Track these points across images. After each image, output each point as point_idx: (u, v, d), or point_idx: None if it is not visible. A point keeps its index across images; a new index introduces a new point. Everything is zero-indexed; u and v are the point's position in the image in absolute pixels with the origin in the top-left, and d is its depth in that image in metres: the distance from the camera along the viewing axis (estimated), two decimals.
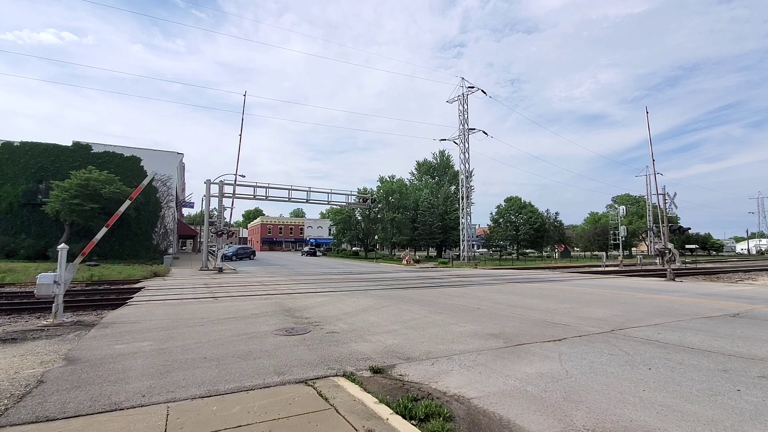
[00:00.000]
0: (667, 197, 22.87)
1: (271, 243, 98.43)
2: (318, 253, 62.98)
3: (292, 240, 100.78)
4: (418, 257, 47.46)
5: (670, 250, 20.27)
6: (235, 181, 27.47)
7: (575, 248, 75.97)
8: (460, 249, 44.09)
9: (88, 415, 3.52)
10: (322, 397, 3.93)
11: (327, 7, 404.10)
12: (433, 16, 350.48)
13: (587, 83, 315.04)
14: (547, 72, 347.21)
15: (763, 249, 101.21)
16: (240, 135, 26.78)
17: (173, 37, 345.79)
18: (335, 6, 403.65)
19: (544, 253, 67.95)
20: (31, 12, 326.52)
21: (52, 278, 7.97)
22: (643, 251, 60.60)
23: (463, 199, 43.01)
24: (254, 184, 29.66)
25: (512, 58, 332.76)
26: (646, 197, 60.04)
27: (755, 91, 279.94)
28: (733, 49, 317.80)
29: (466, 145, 43.26)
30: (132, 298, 11.84)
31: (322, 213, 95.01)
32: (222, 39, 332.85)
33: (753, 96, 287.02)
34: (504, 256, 58.59)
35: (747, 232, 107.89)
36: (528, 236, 58.19)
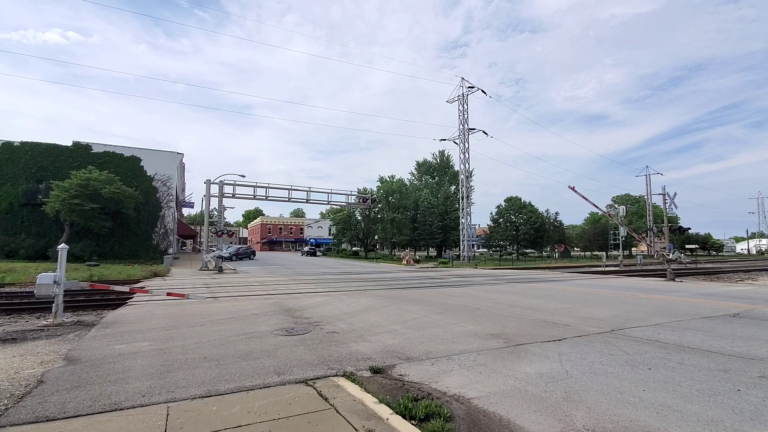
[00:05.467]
0: (667, 197, 22.92)
1: (271, 243, 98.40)
2: (318, 253, 62.99)
3: (292, 240, 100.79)
4: (418, 257, 47.46)
5: (670, 258, 20.56)
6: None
7: (575, 248, 75.98)
8: (460, 249, 44.12)
9: (88, 415, 3.52)
10: (322, 397, 3.93)
11: (330, 8, 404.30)
12: (436, 17, 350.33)
13: (592, 83, 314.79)
14: (552, 72, 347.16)
15: (763, 249, 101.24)
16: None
17: (176, 38, 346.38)
18: (338, 6, 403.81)
19: (544, 253, 67.95)
20: (34, 11, 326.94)
21: (52, 278, 7.96)
22: (643, 251, 60.61)
23: (463, 199, 43.03)
24: (254, 184, 29.65)
25: (516, 57, 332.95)
26: (646, 197, 60.12)
27: (758, 91, 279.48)
28: (738, 48, 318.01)
29: (466, 145, 43.29)
30: (132, 298, 11.83)
31: (322, 213, 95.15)
32: (225, 39, 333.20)
33: (756, 96, 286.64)
34: (504, 256, 58.56)
35: (747, 232, 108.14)
36: (528, 236, 58.19)
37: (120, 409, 3.63)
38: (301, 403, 3.78)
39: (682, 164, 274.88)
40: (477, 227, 61.76)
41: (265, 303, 10.75)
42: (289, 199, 31.87)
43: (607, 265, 34.92)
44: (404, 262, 38.42)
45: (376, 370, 4.82)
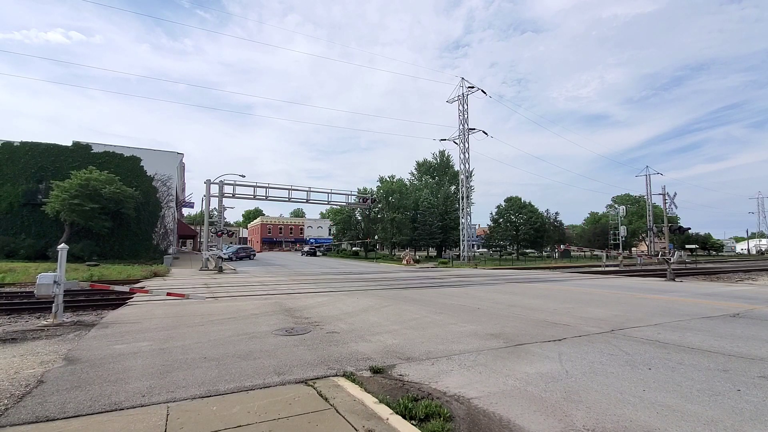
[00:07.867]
0: (667, 197, 22.93)
1: (271, 243, 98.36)
2: (318, 253, 62.93)
3: (292, 240, 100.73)
4: (418, 257, 47.45)
5: (669, 260, 20.65)
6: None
7: (575, 248, 75.94)
8: (460, 249, 44.09)
9: (88, 415, 3.52)
10: (322, 397, 3.93)
11: (331, 8, 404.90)
12: (437, 17, 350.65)
13: (593, 83, 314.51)
14: (554, 72, 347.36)
15: (763, 249, 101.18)
16: None
17: (178, 38, 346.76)
18: (339, 6, 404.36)
19: (544, 253, 67.93)
20: (36, 12, 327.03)
21: (52, 278, 7.96)
22: (643, 251, 60.61)
23: (462, 199, 43.01)
24: (254, 184, 29.67)
25: (518, 57, 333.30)
26: (646, 197, 60.12)
27: (759, 92, 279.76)
28: (740, 48, 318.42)
29: (466, 145, 43.26)
30: (132, 298, 11.83)
31: (322, 213, 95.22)
32: (226, 39, 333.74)
33: (757, 96, 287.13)
34: (504, 256, 58.51)
35: (747, 232, 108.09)
36: (528, 236, 58.17)
37: (120, 409, 3.63)
38: (301, 403, 3.78)
39: (682, 164, 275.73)
40: (477, 227, 61.74)
41: (265, 303, 10.75)
42: (289, 199, 31.90)
43: (607, 265, 34.90)
44: (404, 262, 38.41)
45: (376, 370, 4.82)
